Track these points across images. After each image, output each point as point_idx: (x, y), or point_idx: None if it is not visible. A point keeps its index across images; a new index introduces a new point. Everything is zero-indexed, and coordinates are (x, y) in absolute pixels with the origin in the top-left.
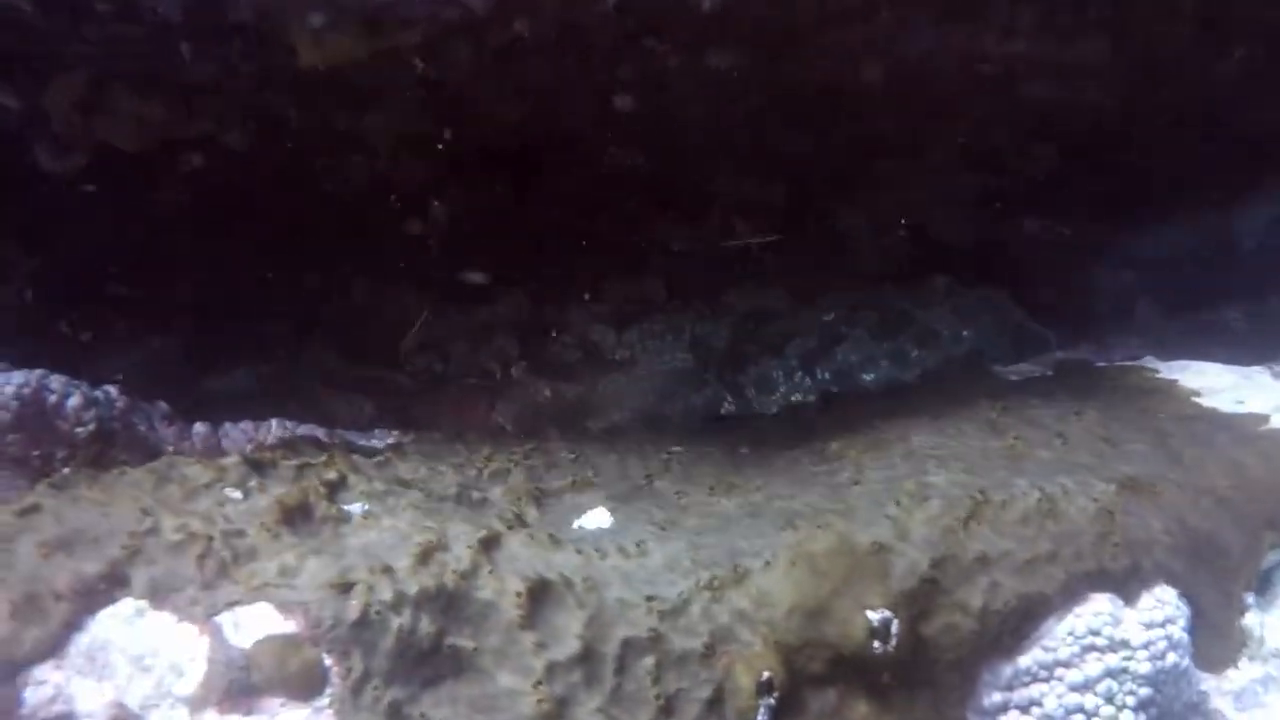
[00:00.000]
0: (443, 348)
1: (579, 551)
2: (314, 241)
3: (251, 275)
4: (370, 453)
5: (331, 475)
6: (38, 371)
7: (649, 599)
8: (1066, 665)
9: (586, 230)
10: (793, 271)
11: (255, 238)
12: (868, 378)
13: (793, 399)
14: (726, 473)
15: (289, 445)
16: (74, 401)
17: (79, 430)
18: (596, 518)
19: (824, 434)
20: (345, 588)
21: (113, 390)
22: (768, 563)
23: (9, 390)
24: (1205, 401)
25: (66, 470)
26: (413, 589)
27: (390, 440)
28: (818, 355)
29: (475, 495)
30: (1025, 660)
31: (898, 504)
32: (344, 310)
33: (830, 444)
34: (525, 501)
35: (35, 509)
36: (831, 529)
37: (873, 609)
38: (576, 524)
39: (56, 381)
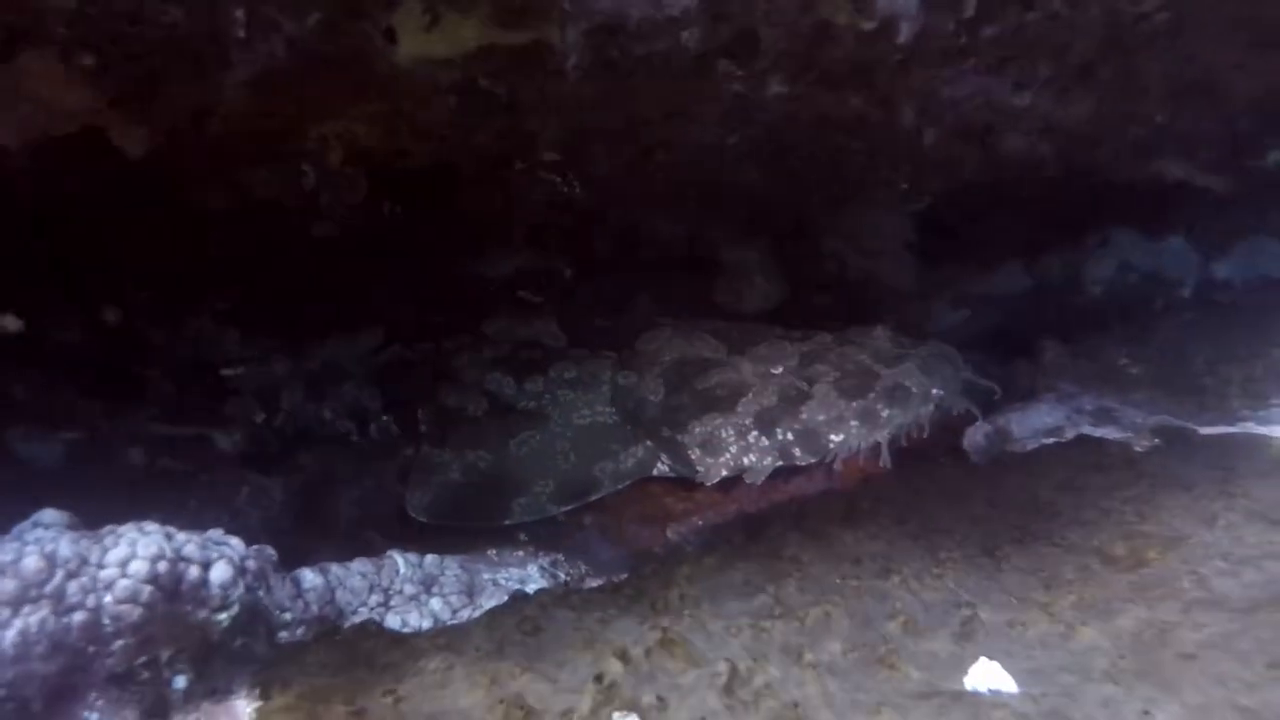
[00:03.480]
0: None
1: None
2: (148, 272)
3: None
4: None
5: (722, 670)
6: (156, 529)
7: None
8: None
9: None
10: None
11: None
12: (835, 439)
13: (745, 460)
14: (1004, 588)
15: (536, 603)
16: (220, 574)
17: (220, 617)
18: (988, 675)
19: (1028, 528)
20: None
21: (238, 544)
22: None
23: (139, 569)
24: None
25: (184, 683)
26: None
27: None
28: (778, 413)
29: (823, 658)
30: None
31: None
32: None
33: (1113, 546)
34: (898, 661)
35: None
36: None
37: None
38: (969, 685)
39: (193, 545)
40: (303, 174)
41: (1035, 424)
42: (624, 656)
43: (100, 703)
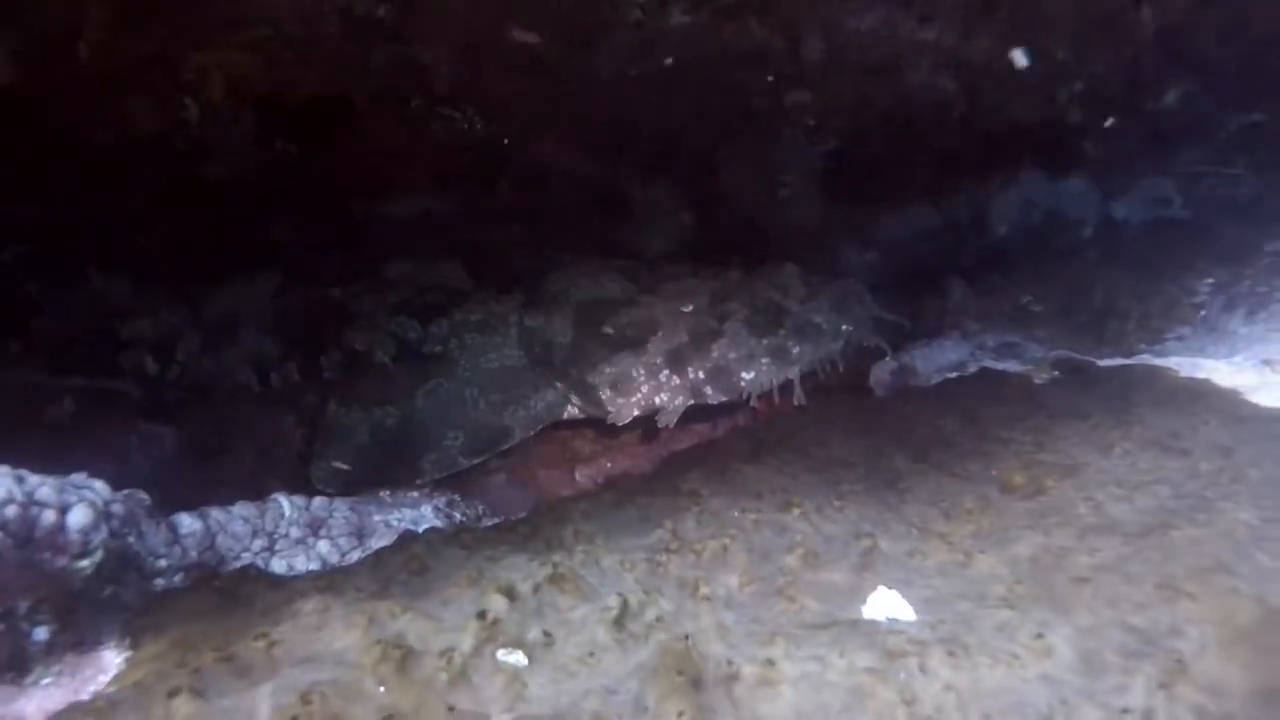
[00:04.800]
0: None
1: (994, 661)
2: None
3: None
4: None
5: (613, 605)
6: (5, 472)
7: (1124, 712)
8: None
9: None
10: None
11: None
12: (746, 376)
13: (656, 399)
14: (905, 519)
15: (423, 541)
16: (79, 518)
17: (82, 564)
18: (887, 604)
19: (930, 460)
20: None
21: (102, 487)
22: (1203, 646)
23: None
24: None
25: (46, 634)
26: None
27: (449, 509)
28: (690, 351)
29: (719, 591)
30: None
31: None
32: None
33: (1012, 475)
34: (796, 592)
35: None
36: (1240, 594)
37: None
38: (867, 614)
39: (47, 488)
40: (184, 107)
41: (939, 360)
42: (510, 593)
43: None
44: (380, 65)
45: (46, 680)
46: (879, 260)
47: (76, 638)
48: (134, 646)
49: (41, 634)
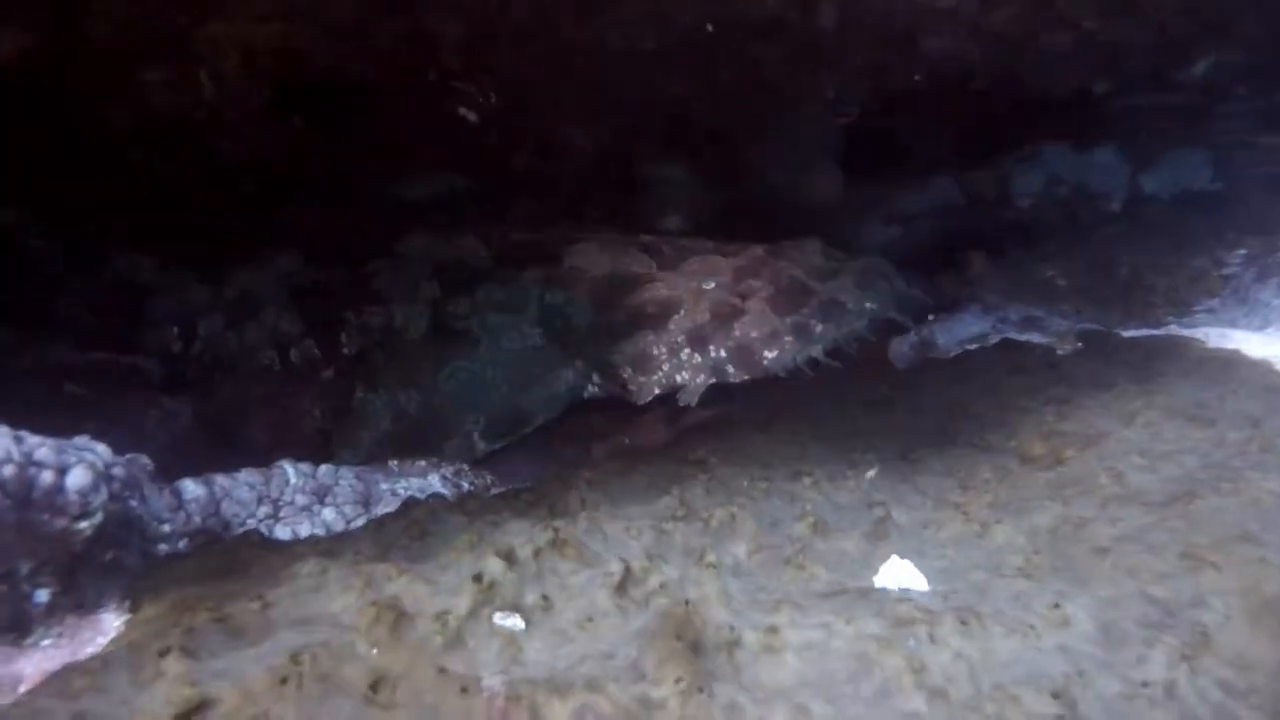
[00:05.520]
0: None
1: (1008, 631)
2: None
3: None
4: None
5: (615, 570)
6: (4, 432)
7: (1144, 685)
8: None
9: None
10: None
11: None
12: (770, 355)
13: (678, 378)
14: (920, 490)
15: (425, 507)
16: (78, 479)
17: (80, 526)
18: (899, 573)
19: (947, 431)
20: None
21: (103, 450)
22: (1227, 617)
23: None
24: None
25: (47, 596)
26: None
27: (463, 480)
28: (712, 330)
29: (726, 559)
30: None
31: None
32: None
33: (1032, 446)
34: (806, 561)
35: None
36: (1267, 563)
37: None
38: (879, 583)
39: (46, 449)
40: (200, 84)
41: (959, 333)
42: (509, 557)
43: None
44: (392, 37)
45: (46, 642)
46: (900, 235)
47: (77, 600)
48: (133, 609)
49: (42, 596)
